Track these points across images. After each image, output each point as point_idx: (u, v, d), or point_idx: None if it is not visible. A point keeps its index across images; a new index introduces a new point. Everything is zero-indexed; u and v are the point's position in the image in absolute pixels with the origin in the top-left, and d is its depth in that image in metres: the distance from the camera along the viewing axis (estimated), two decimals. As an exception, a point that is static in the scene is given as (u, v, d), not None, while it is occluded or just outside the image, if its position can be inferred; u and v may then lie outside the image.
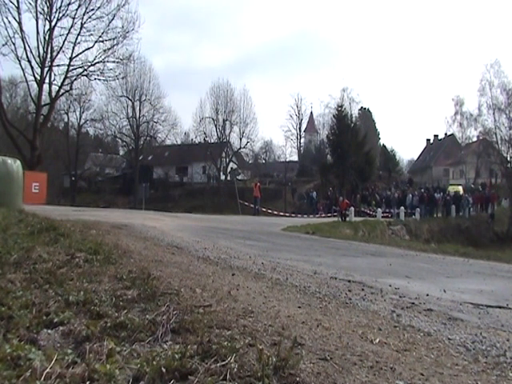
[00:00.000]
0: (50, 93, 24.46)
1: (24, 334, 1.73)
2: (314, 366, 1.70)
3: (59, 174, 38.67)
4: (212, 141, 42.40)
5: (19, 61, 22.83)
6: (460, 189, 33.63)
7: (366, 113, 49.28)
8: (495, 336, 2.39)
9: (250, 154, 46.17)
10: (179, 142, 46.53)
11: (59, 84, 24.54)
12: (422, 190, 31.74)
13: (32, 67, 23.31)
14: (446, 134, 51.24)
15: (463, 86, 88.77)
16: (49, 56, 23.50)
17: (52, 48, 23.52)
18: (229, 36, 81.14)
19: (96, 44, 24.13)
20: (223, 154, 41.64)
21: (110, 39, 24.31)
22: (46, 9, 23.17)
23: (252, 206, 23.97)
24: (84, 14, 23.66)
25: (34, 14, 22.96)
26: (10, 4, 22.19)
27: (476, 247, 14.40)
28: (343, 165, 34.50)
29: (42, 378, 1.36)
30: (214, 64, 72.90)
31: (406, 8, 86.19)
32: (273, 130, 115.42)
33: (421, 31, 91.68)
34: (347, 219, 20.84)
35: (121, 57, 24.85)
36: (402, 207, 26.43)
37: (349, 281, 3.79)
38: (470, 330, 2.47)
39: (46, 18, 23.26)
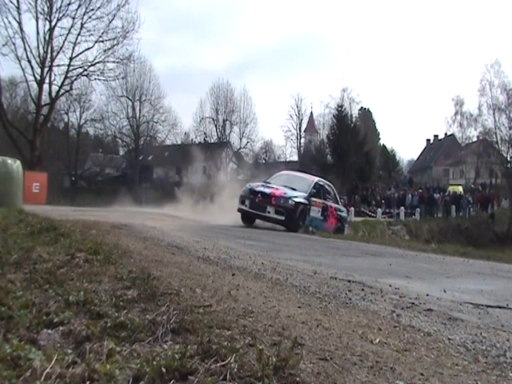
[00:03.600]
0: (50, 93, 24.50)
1: (24, 334, 1.72)
2: (314, 366, 1.70)
3: (59, 174, 38.66)
4: (212, 141, 42.41)
5: (19, 61, 22.89)
6: (460, 189, 33.64)
7: (366, 113, 49.22)
8: (495, 336, 2.39)
9: (250, 154, 46.23)
10: (179, 142, 46.53)
11: (59, 84, 24.60)
12: (421, 190, 31.75)
13: (32, 67, 23.37)
14: (446, 134, 51.23)
15: (463, 85, 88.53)
16: (49, 56, 23.53)
17: (52, 48, 23.55)
18: (229, 37, 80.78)
19: (96, 44, 24.20)
20: (223, 154, 41.65)
21: (110, 39, 24.38)
22: (46, 9, 23.22)
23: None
24: (84, 14, 23.72)
25: (34, 14, 23.01)
26: (10, 4, 22.25)
27: (476, 247, 14.37)
28: (343, 165, 34.50)
29: (42, 378, 1.36)
30: (214, 64, 72.65)
31: (405, 8, 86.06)
32: (273, 130, 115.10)
33: (421, 31, 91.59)
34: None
35: (121, 57, 24.92)
36: (402, 207, 26.44)
37: (349, 281, 3.79)
38: (470, 330, 2.47)
39: (46, 18, 23.31)
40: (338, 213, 13.09)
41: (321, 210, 12.12)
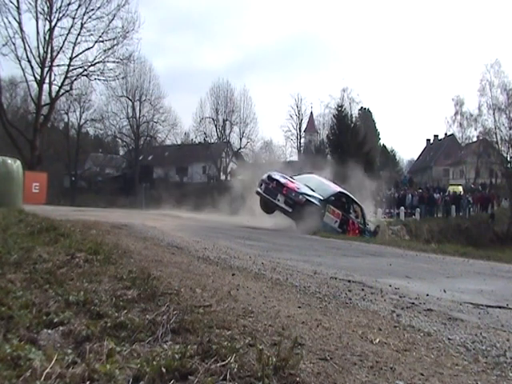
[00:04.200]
0: (50, 93, 24.53)
1: (24, 334, 1.72)
2: (314, 365, 1.70)
3: (59, 174, 38.62)
4: (212, 141, 42.43)
5: (19, 61, 22.94)
6: (460, 189, 33.62)
7: (366, 113, 49.26)
8: (495, 336, 2.39)
9: (250, 154, 46.21)
10: (179, 142, 46.49)
11: (59, 84, 24.65)
12: (421, 190, 31.72)
13: (32, 67, 23.41)
14: (446, 134, 51.16)
15: (463, 85, 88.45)
16: (49, 56, 23.57)
17: (52, 48, 23.58)
18: (229, 37, 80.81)
19: (96, 44, 24.26)
20: (223, 154, 41.65)
21: (110, 39, 24.44)
22: (46, 9, 23.27)
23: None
24: (84, 14, 23.78)
25: (34, 14, 23.06)
26: (10, 4, 22.30)
27: (476, 247, 14.37)
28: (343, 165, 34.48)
29: (42, 378, 1.36)
30: (214, 64, 72.59)
31: (405, 8, 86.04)
32: (273, 130, 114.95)
33: (420, 31, 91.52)
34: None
35: (121, 57, 24.98)
36: (402, 207, 26.43)
37: (349, 281, 3.79)
38: (470, 330, 2.47)
39: (46, 18, 23.35)
40: (361, 226, 12.97)
41: (339, 221, 12.03)
